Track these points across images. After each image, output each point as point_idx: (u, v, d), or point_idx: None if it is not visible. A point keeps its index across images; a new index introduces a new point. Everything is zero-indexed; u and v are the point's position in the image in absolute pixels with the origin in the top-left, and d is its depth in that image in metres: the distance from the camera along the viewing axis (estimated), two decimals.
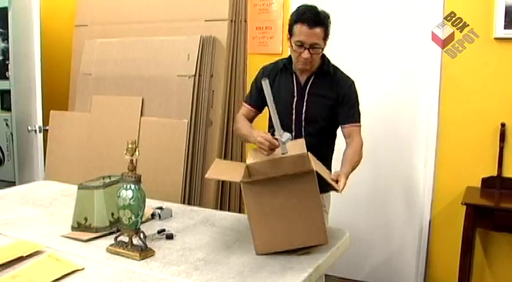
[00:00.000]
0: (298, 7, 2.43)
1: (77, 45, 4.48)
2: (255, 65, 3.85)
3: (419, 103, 3.46)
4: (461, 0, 3.24)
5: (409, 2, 3.44)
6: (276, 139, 2.20)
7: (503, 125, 3.17)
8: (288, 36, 2.43)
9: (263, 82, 2.23)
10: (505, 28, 3.11)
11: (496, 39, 3.16)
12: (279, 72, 2.56)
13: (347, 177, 2.16)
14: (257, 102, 2.60)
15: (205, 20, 3.85)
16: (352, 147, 2.40)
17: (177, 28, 3.91)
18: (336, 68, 2.53)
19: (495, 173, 3.22)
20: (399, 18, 3.48)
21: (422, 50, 3.41)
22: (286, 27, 3.84)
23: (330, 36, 2.41)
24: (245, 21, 3.94)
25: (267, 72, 2.59)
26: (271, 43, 3.86)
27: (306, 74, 2.49)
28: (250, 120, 2.64)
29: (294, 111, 2.50)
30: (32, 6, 3.82)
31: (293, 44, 2.39)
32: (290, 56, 2.51)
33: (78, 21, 4.53)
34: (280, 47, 3.83)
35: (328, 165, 2.51)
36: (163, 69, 3.81)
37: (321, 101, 2.47)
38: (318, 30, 2.32)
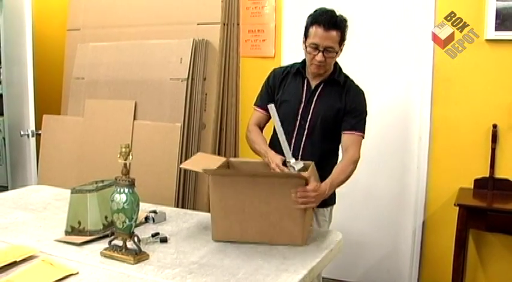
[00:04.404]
0: (316, 10, 2.37)
1: (69, 49, 4.47)
2: (247, 68, 3.87)
3: (411, 105, 3.47)
4: (452, 2, 3.26)
5: (400, 4, 3.46)
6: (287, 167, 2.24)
7: (495, 126, 3.19)
8: (303, 39, 2.39)
9: (269, 107, 2.29)
10: (496, 30, 3.13)
11: (487, 40, 3.17)
12: (291, 75, 2.51)
13: (326, 189, 2.17)
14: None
15: (198, 23, 3.85)
16: (342, 164, 2.35)
17: (170, 31, 3.91)
18: (346, 77, 2.48)
19: (487, 174, 3.23)
20: (390, 20, 3.49)
21: (415, 51, 3.42)
22: (279, 30, 3.87)
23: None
24: (237, 24, 3.94)
25: (278, 74, 2.55)
26: (264, 46, 3.86)
27: (318, 80, 2.44)
28: (263, 126, 2.58)
29: (299, 117, 2.44)
30: (24, 10, 3.81)
31: (307, 46, 2.35)
32: (304, 60, 2.47)
33: (71, 25, 4.52)
34: (272, 50, 3.82)
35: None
36: (156, 73, 3.80)
37: (327, 110, 2.41)
38: (334, 33, 2.28)
